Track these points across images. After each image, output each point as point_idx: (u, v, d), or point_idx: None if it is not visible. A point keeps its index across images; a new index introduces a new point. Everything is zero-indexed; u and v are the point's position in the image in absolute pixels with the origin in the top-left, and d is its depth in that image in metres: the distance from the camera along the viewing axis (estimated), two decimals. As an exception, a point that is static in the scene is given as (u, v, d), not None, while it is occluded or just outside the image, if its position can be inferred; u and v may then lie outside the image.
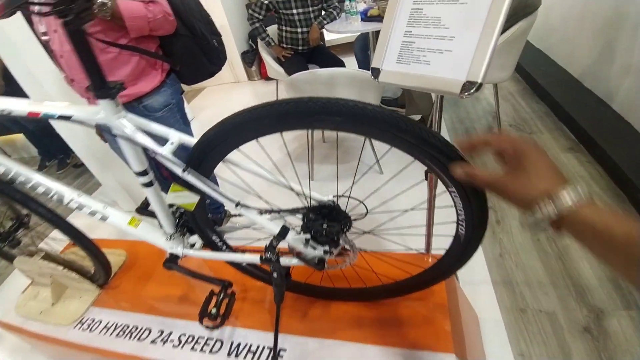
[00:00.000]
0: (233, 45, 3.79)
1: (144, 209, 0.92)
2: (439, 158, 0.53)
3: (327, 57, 2.63)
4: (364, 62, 2.87)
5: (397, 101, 2.68)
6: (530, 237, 1.55)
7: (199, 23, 1.24)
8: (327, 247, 0.67)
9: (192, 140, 0.65)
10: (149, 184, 0.73)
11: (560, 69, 2.61)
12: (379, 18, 2.24)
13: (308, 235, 0.66)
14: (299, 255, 0.69)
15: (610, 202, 1.63)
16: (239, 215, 0.66)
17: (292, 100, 0.51)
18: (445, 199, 0.66)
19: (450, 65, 0.70)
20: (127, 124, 0.62)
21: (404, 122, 0.50)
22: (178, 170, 0.61)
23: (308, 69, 2.59)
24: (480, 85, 0.66)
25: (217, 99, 3.91)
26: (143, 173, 0.71)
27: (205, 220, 0.80)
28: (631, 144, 1.78)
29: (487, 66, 0.65)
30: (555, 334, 1.20)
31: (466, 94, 0.67)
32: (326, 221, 0.65)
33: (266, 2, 2.38)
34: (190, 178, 0.61)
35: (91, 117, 0.62)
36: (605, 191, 1.69)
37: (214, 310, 0.83)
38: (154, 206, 0.81)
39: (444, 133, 2.39)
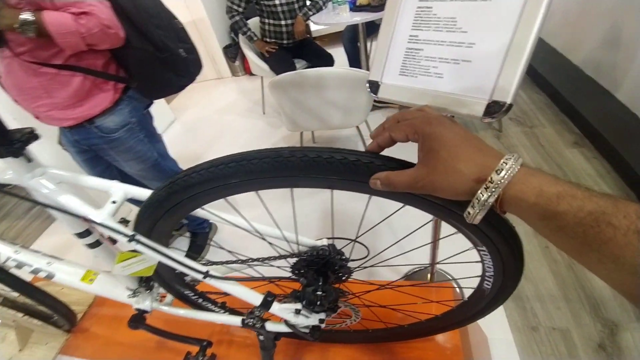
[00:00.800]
0: (214, 39, 3.56)
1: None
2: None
3: (314, 51, 2.46)
4: (353, 54, 2.70)
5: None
6: (538, 244, 1.46)
7: (158, 31, 1.03)
8: (322, 316, 0.53)
9: (142, 194, 0.50)
10: (94, 245, 0.59)
11: (560, 56, 2.48)
12: (368, 7, 2.07)
13: (298, 306, 0.52)
14: (288, 323, 0.56)
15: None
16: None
17: (268, 155, 0.36)
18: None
19: (469, 80, 0.56)
20: (46, 184, 0.47)
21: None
22: (123, 240, 0.46)
23: (294, 64, 2.41)
24: (510, 106, 0.52)
25: (200, 98, 3.69)
26: (84, 234, 0.56)
27: (172, 275, 0.66)
28: (637, 136, 1.68)
29: (519, 81, 0.51)
30: (569, 354, 1.11)
31: (492, 118, 0.53)
32: (320, 288, 0.51)
33: (245, -8, 2.18)
34: (141, 248, 0.47)
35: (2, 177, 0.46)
36: (614, 190, 1.60)
37: (191, 379, 0.70)
38: (108, 265, 0.66)
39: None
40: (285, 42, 2.39)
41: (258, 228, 0.57)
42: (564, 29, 2.45)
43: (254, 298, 0.52)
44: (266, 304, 0.51)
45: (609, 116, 1.86)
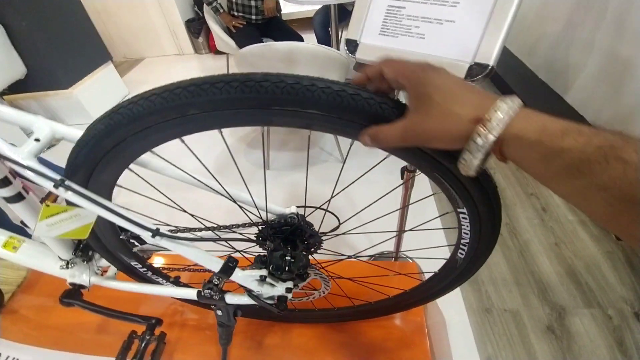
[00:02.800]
0: (175, 10, 3.30)
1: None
2: (454, 172, 0.37)
3: (284, 31, 2.36)
4: (325, 39, 2.64)
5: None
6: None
7: None
8: (290, 285, 0.48)
9: (74, 134, 0.41)
10: (15, 198, 0.48)
11: (516, 58, 2.64)
12: (342, -10, 2.02)
13: (264, 272, 0.47)
14: (251, 293, 0.50)
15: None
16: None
17: (237, 78, 0.30)
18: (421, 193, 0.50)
19: (452, 41, 0.53)
20: None
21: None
22: (48, 184, 0.37)
23: (262, 42, 2.30)
24: (492, 69, 0.51)
25: (159, 73, 3.42)
26: (4, 182, 0.46)
27: (115, 242, 0.57)
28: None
29: (502, 43, 0.49)
30: (520, 335, 1.17)
31: (473, 80, 0.51)
32: (289, 252, 0.46)
33: (212, -42, 2.03)
34: (70, 197, 0.38)
35: None
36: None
37: (134, 363, 0.61)
38: (33, 224, 0.55)
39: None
40: (253, 17, 2.27)
41: (220, 189, 0.51)
42: (520, 33, 2.60)
43: (213, 263, 0.45)
44: (227, 270, 0.45)
45: (560, 117, 2.01)
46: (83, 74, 2.59)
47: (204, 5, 2.29)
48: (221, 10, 2.24)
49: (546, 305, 1.24)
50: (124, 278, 0.66)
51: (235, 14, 2.27)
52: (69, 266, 0.64)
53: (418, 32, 0.56)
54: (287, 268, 0.45)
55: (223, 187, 0.49)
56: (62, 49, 2.38)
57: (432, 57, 0.55)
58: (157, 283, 0.66)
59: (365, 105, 0.31)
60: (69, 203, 0.42)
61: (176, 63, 3.59)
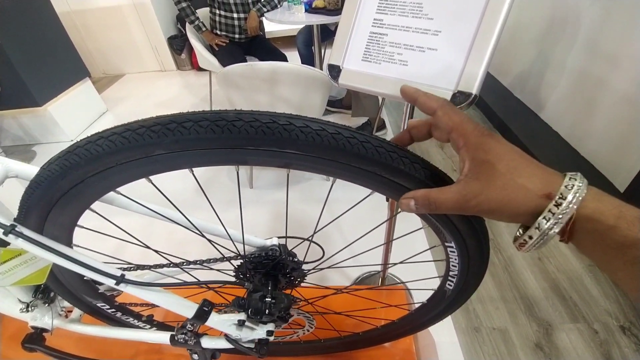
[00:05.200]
0: (157, 27, 3.28)
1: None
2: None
3: (267, 50, 2.37)
4: (308, 58, 2.67)
5: (341, 102, 2.54)
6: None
7: None
8: (271, 327, 0.45)
9: (31, 172, 0.37)
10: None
11: (493, 78, 2.73)
12: (324, 10, 2.06)
13: (242, 316, 0.43)
14: (229, 338, 0.46)
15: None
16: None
17: (206, 117, 0.28)
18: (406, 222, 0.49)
19: (434, 69, 0.53)
20: None
21: (411, 161, 0.30)
22: (-2, 230, 0.33)
23: (246, 61, 2.30)
24: (475, 97, 0.50)
25: (139, 89, 3.36)
26: None
27: (79, 284, 0.52)
28: (559, 152, 1.89)
29: (484, 72, 0.49)
30: (509, 354, 1.16)
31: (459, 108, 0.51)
32: (269, 293, 0.43)
33: (194, -22, 2.03)
34: (23, 244, 0.34)
35: None
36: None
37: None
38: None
39: (390, 136, 2.32)
40: (237, 36, 2.27)
41: (194, 222, 0.47)
42: (496, 53, 2.71)
43: (186, 308, 0.41)
44: (201, 315, 0.41)
45: (535, 133, 2.07)
46: (58, 91, 2.51)
47: (186, 23, 2.28)
48: (204, 29, 2.23)
49: (533, 322, 1.24)
50: (90, 320, 0.60)
51: (218, 32, 2.26)
52: (29, 309, 0.58)
53: (401, 59, 0.56)
54: (267, 311, 0.42)
55: (190, 221, 0.45)
56: (36, 65, 2.30)
57: (415, 83, 0.54)
58: (127, 324, 0.61)
59: (347, 145, 0.29)
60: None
61: (158, 79, 3.54)
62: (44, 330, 0.62)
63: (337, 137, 0.28)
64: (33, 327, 0.61)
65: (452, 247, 0.43)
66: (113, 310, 0.59)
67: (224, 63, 2.21)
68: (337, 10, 2.02)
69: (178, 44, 3.44)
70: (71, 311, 0.64)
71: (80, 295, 0.54)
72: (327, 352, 0.79)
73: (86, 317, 0.62)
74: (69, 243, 0.40)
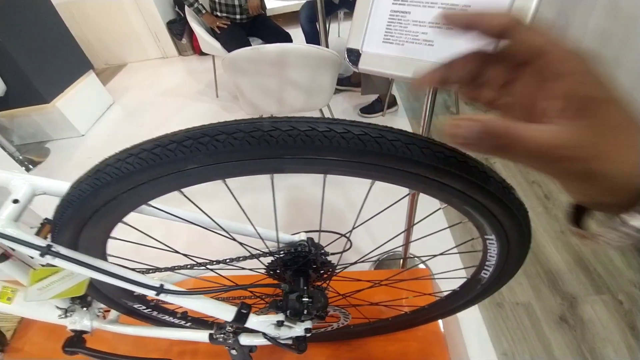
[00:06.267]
0: (155, 12, 3.19)
1: None
2: (487, 205, 0.34)
3: (270, 29, 2.29)
4: (312, 35, 2.57)
5: (349, 79, 2.46)
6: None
7: None
8: (309, 325, 0.45)
9: (59, 188, 0.36)
10: (2, 258, 0.43)
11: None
12: (328, -17, 1.95)
13: (280, 316, 0.43)
14: (267, 336, 0.47)
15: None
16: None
17: (240, 128, 0.26)
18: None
19: (465, 47, 0.49)
20: None
21: (458, 158, 0.28)
22: (33, 253, 0.33)
23: (249, 42, 2.23)
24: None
25: (143, 78, 3.32)
26: None
27: (116, 289, 0.53)
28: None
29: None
30: (534, 327, 1.16)
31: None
32: (306, 293, 0.43)
33: (191, -43, 1.94)
34: (60, 263, 0.34)
35: None
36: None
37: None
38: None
39: (402, 114, 2.26)
40: (238, 17, 2.19)
41: (221, 224, 0.47)
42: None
43: (225, 312, 0.42)
44: (240, 318, 0.42)
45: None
46: (64, 86, 2.49)
47: (185, 7, 2.20)
48: (204, 12, 2.15)
49: (557, 295, 1.23)
50: (127, 320, 0.62)
51: (219, 14, 2.18)
52: (67, 314, 0.60)
53: (426, 39, 0.52)
54: (305, 312, 0.42)
55: (218, 224, 0.44)
56: (40, 62, 2.28)
57: (442, 65, 0.50)
58: (164, 322, 0.62)
59: (392, 148, 0.27)
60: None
61: (160, 67, 3.48)
62: (83, 332, 0.64)
63: (380, 141, 0.26)
64: (72, 331, 0.63)
65: (491, 239, 0.41)
66: (149, 310, 0.60)
67: (227, 46, 2.15)
68: (341, -18, 1.91)
69: (177, 29, 3.35)
70: (108, 311, 0.66)
71: (117, 299, 0.55)
72: (356, 338, 0.80)
73: (123, 317, 0.64)
74: (103, 255, 0.40)
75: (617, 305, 1.17)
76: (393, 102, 2.22)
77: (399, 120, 2.21)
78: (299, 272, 0.49)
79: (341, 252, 0.49)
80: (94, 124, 2.74)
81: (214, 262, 0.52)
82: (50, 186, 0.37)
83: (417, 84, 0.23)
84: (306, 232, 0.55)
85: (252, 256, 0.50)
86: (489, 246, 0.43)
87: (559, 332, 1.14)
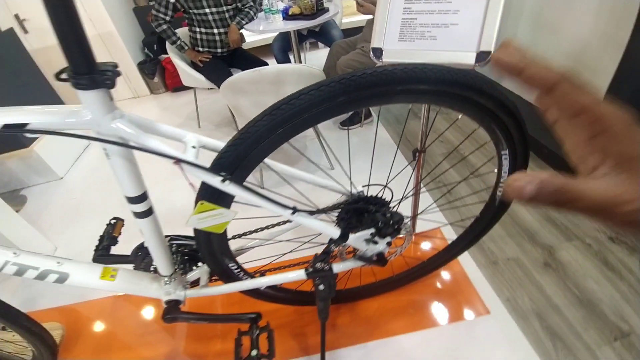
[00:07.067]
0: (126, 54, 3.28)
1: (105, 255, 0.70)
2: (507, 123, 0.53)
3: (249, 60, 2.50)
4: (285, 63, 2.82)
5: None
6: (477, 197, 1.76)
7: None
8: (389, 239, 0.60)
9: (216, 143, 0.50)
10: (146, 214, 0.55)
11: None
12: (300, 16, 2.23)
13: (372, 230, 0.58)
14: (357, 255, 0.61)
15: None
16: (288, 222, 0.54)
17: (368, 72, 0.44)
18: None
19: (458, 39, 0.71)
20: (127, 127, 0.44)
21: (488, 85, 0.48)
22: (215, 180, 0.46)
23: (231, 72, 2.41)
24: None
25: (116, 119, 3.32)
26: (141, 198, 0.53)
27: (222, 244, 0.64)
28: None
29: (498, 34, 0.68)
30: (526, 275, 1.38)
31: (483, 63, 0.70)
32: (388, 212, 0.59)
33: (172, 0, 2.12)
34: (232, 189, 0.48)
35: (69, 121, 0.42)
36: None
37: (254, 352, 0.67)
38: (149, 242, 0.61)
39: (378, 123, 2.53)
40: (219, 51, 2.38)
41: (311, 177, 0.62)
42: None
43: (333, 230, 0.56)
44: (345, 235, 0.56)
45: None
46: (42, 130, 2.46)
47: (167, 44, 2.35)
48: (186, 48, 2.32)
49: (538, 247, 1.47)
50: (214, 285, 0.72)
51: (200, 49, 2.36)
52: (169, 281, 0.69)
53: (430, 35, 0.74)
54: (391, 222, 0.58)
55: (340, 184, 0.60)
56: (17, 105, 2.26)
57: (446, 52, 0.72)
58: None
59: (469, 81, 0.46)
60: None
61: (132, 106, 3.52)
62: (177, 302, 0.73)
63: (459, 75, 0.45)
64: (167, 302, 0.72)
65: (505, 154, 0.60)
66: (238, 269, 0.71)
67: (211, 77, 2.31)
68: (313, 15, 2.20)
69: (149, 68, 3.45)
70: (194, 282, 0.75)
71: (220, 256, 0.66)
72: (397, 287, 0.95)
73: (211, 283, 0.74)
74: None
75: (587, 247, 1.44)
76: (368, 114, 2.49)
77: (374, 127, 2.47)
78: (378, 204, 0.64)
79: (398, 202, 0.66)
80: (72, 165, 2.69)
81: (328, 208, 0.65)
82: (207, 141, 0.50)
83: (498, 62, 0.21)
84: (363, 186, 0.71)
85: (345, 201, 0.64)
86: (504, 162, 0.62)
87: (547, 275, 1.36)
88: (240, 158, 0.47)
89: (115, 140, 0.43)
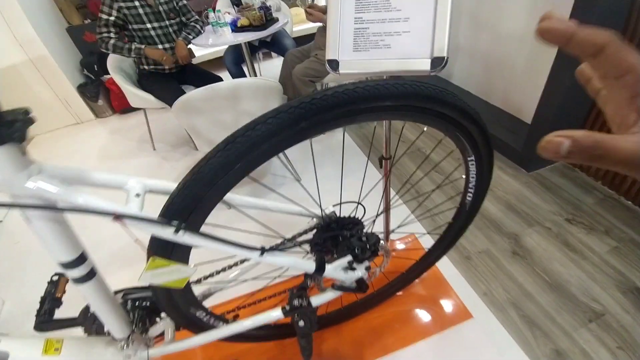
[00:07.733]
0: (63, 78, 3.01)
1: (47, 321, 0.61)
2: (471, 131, 0.52)
3: (201, 75, 2.39)
4: (238, 75, 2.74)
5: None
6: (440, 191, 1.80)
7: None
8: (367, 263, 0.57)
9: (166, 185, 0.44)
10: (86, 277, 0.47)
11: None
12: (250, 28, 2.17)
13: (349, 257, 0.55)
14: (334, 285, 0.57)
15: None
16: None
17: (328, 93, 0.40)
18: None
19: (412, 46, 0.70)
20: (48, 184, 0.36)
21: (450, 96, 0.46)
22: (166, 232, 0.40)
23: (184, 91, 2.28)
24: (447, 59, 0.69)
25: (57, 150, 3.04)
26: (78, 261, 0.44)
27: (185, 294, 0.57)
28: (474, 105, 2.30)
29: (449, 39, 0.68)
30: (497, 267, 1.42)
31: (438, 69, 0.69)
32: (362, 233, 0.55)
33: (112, 18, 1.96)
34: (188, 239, 0.41)
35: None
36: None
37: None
38: (96, 307, 0.52)
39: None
40: (167, 67, 2.25)
41: (277, 206, 0.57)
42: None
43: (308, 265, 0.51)
44: (321, 267, 0.52)
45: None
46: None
47: (108, 64, 2.18)
48: (144, 46, 2.05)
49: (504, 237, 1.53)
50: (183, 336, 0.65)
51: (146, 67, 2.21)
52: (127, 344, 0.61)
53: (384, 44, 0.72)
54: (368, 245, 0.54)
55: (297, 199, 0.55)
56: None
57: (401, 60, 0.71)
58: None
59: (432, 93, 0.43)
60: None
61: (76, 133, 3.24)
62: (139, 364, 0.64)
63: (420, 88, 0.43)
64: (128, 365, 0.63)
65: (472, 160, 0.60)
66: (208, 316, 0.64)
67: (162, 97, 2.18)
68: (262, 26, 2.15)
69: (91, 91, 3.19)
70: (159, 341, 0.67)
71: (185, 307, 0.59)
72: (381, 301, 0.92)
73: (178, 335, 0.66)
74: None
75: (547, 231, 1.51)
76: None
77: (338, 132, 2.47)
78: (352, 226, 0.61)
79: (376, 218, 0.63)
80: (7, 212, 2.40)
81: (288, 238, 0.60)
82: (156, 185, 0.43)
83: (548, 32, 0.21)
84: (333, 205, 0.67)
85: (312, 228, 0.60)
86: (470, 167, 0.62)
87: (516, 264, 1.41)
88: (195, 201, 0.41)
89: (32, 204, 0.35)
